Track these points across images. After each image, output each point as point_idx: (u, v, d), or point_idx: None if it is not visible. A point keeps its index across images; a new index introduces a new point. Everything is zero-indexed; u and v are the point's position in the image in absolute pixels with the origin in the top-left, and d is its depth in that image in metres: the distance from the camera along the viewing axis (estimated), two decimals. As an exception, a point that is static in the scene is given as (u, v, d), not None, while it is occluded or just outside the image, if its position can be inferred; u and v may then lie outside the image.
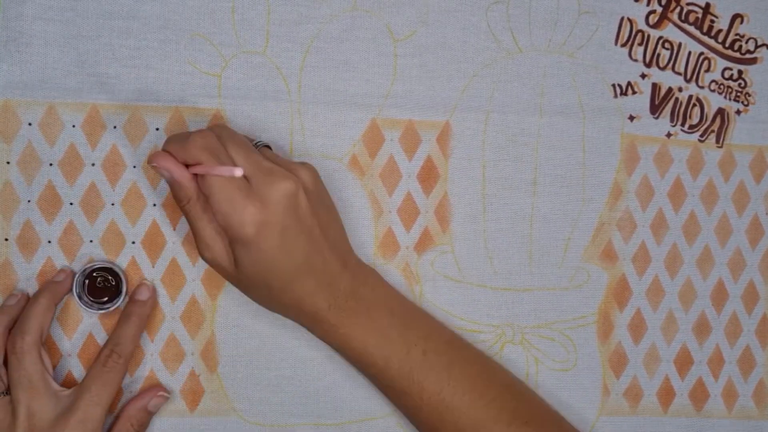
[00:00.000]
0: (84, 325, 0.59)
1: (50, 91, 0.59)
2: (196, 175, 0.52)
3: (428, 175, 0.63)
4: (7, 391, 0.55)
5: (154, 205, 0.60)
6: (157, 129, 0.60)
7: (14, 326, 0.57)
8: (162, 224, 0.60)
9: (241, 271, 0.53)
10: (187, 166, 0.52)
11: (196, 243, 0.54)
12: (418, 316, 0.60)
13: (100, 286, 0.59)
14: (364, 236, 0.63)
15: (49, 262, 0.59)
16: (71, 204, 0.59)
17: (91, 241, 0.60)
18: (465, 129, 0.64)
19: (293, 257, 0.52)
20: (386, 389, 0.58)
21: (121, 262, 0.60)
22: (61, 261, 0.59)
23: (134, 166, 0.60)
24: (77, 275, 0.59)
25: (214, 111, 0.61)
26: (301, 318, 0.56)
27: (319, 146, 0.62)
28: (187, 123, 0.60)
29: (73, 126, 0.59)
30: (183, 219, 0.60)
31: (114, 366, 0.56)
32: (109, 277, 0.59)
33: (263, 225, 0.50)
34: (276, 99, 0.61)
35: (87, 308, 0.59)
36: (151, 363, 0.60)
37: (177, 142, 0.52)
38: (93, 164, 0.60)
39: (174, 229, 0.61)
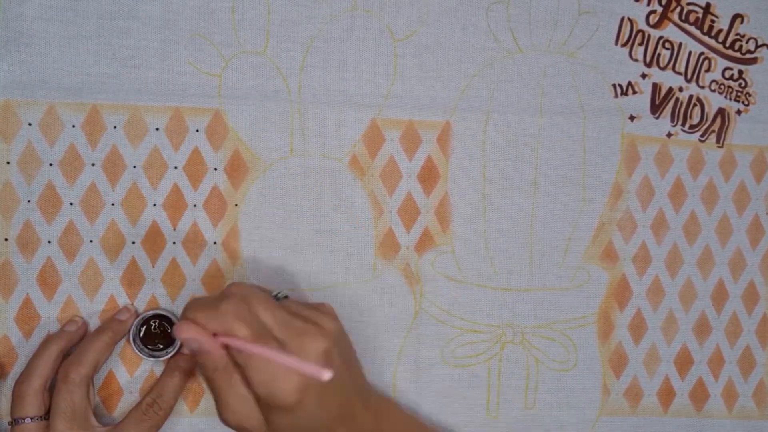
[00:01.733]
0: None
1: (50, 91, 0.59)
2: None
3: (428, 175, 0.63)
4: (46, 415, 0.55)
5: (154, 205, 0.60)
6: (157, 129, 0.60)
7: (71, 354, 0.57)
8: (162, 224, 0.60)
9: (273, 430, 0.51)
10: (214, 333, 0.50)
11: (217, 407, 0.51)
12: None
13: (155, 331, 0.59)
14: (364, 236, 0.63)
15: (49, 263, 0.59)
16: (71, 204, 0.59)
17: (91, 241, 0.60)
18: (465, 129, 0.64)
19: (329, 412, 0.51)
20: None
21: (121, 262, 0.60)
22: (61, 261, 0.59)
23: (134, 166, 0.60)
24: (136, 320, 0.59)
25: (214, 111, 0.61)
26: None
27: (319, 146, 0.62)
28: (187, 123, 0.60)
29: (73, 126, 0.59)
30: (183, 219, 0.60)
31: (153, 416, 0.56)
32: (166, 324, 0.59)
33: (305, 389, 0.49)
34: (276, 99, 0.61)
35: (139, 353, 0.59)
36: (151, 363, 0.60)
37: (207, 313, 0.49)
38: (93, 164, 0.60)
39: (174, 229, 0.61)
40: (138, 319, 0.59)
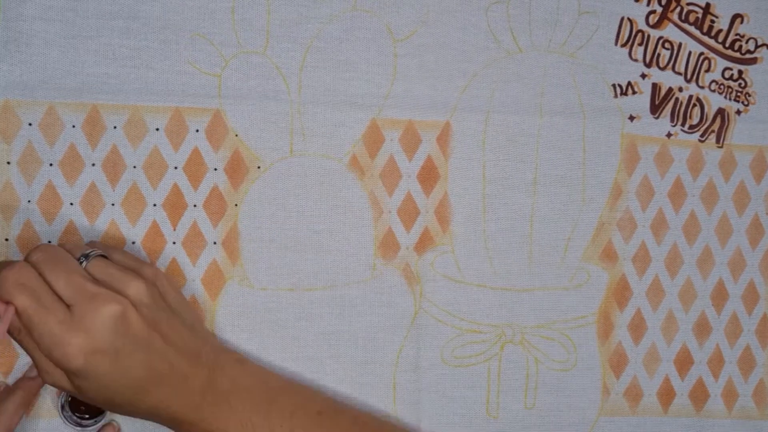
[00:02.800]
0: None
1: (50, 91, 0.59)
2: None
3: (428, 175, 0.63)
4: None
5: (155, 205, 0.60)
6: (157, 129, 0.60)
7: None
8: (162, 224, 0.60)
9: (84, 394, 0.52)
10: None
11: (36, 368, 0.52)
12: (287, 392, 0.58)
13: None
14: (364, 236, 0.63)
15: (49, 262, 0.59)
16: (71, 204, 0.59)
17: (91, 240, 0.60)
18: (465, 129, 0.64)
19: (133, 374, 0.51)
20: None
21: (121, 262, 0.60)
22: (61, 261, 0.59)
23: (134, 166, 0.60)
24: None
25: (214, 111, 0.61)
26: (163, 423, 0.54)
27: (319, 146, 0.62)
28: (187, 123, 0.60)
29: (73, 126, 0.59)
30: (183, 219, 0.61)
31: None
32: None
33: (92, 353, 0.49)
34: (276, 99, 0.61)
35: (65, 422, 0.58)
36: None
37: None
38: (93, 164, 0.60)
39: (174, 229, 0.61)
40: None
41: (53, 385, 0.52)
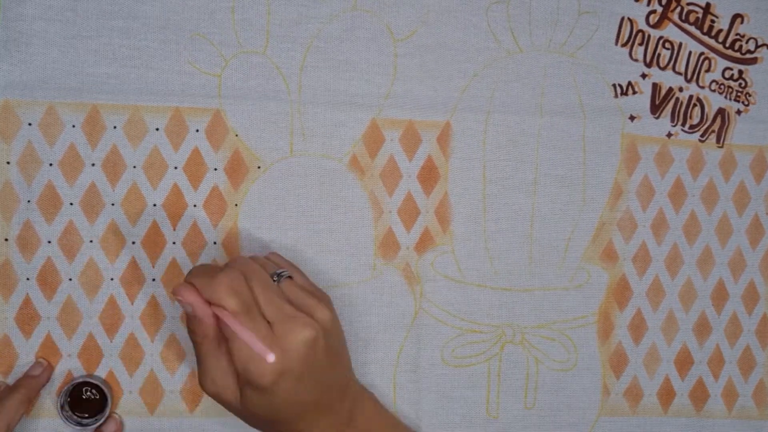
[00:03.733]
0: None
1: (50, 91, 0.59)
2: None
3: (429, 175, 0.63)
4: None
5: (155, 205, 0.60)
6: (157, 129, 0.60)
7: None
8: (162, 224, 0.60)
9: (247, 408, 0.52)
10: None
11: (199, 374, 0.52)
12: None
13: (85, 397, 0.58)
14: (364, 236, 0.63)
15: (49, 262, 0.59)
16: (71, 204, 0.59)
17: (91, 241, 0.60)
18: (465, 129, 0.64)
19: (304, 398, 0.52)
20: None
21: (121, 262, 0.60)
22: (61, 261, 0.59)
23: (134, 166, 0.60)
24: (66, 387, 0.58)
25: (214, 111, 0.61)
26: None
27: (319, 146, 0.62)
28: (187, 123, 0.60)
29: (73, 126, 0.59)
30: (183, 219, 0.60)
31: None
32: (95, 392, 0.59)
33: (281, 373, 0.50)
34: (276, 99, 0.61)
35: (66, 422, 0.59)
36: (151, 363, 0.60)
37: (203, 278, 0.51)
38: (93, 164, 0.60)
39: (174, 229, 0.61)
40: (67, 386, 0.58)
41: (212, 394, 0.52)
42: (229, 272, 0.51)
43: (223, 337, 0.50)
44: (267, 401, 0.51)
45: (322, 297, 0.55)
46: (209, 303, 0.50)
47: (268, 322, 0.50)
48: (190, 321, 0.51)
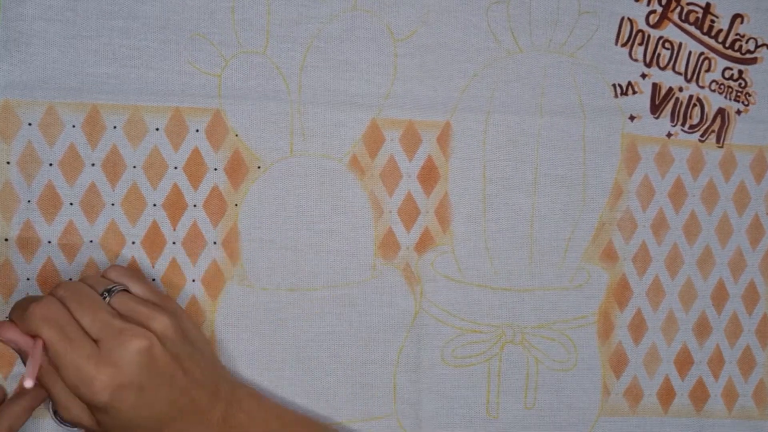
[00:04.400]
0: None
1: (50, 91, 0.59)
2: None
3: (429, 175, 0.63)
4: None
5: (155, 205, 0.60)
6: (157, 129, 0.60)
7: None
8: (162, 224, 0.60)
9: (105, 428, 0.52)
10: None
11: (53, 405, 0.53)
12: (300, 426, 0.59)
13: None
14: (364, 236, 0.63)
15: (49, 262, 0.59)
16: (71, 204, 0.59)
17: (91, 241, 0.59)
18: (465, 129, 0.64)
19: (156, 408, 0.51)
20: None
21: (121, 262, 0.60)
22: (61, 261, 0.59)
23: (134, 166, 0.60)
24: None
25: (214, 111, 0.61)
26: None
27: (319, 146, 0.62)
28: (187, 123, 0.60)
29: (73, 126, 0.59)
30: (183, 219, 0.60)
31: None
32: None
33: (118, 389, 0.49)
34: (276, 99, 0.61)
35: (59, 424, 0.57)
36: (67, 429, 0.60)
37: (18, 313, 0.51)
38: (93, 164, 0.60)
39: (174, 229, 0.61)
40: None
41: (71, 421, 0.52)
42: (42, 301, 0.51)
43: (56, 366, 0.50)
44: (117, 419, 0.50)
45: (162, 303, 0.54)
46: (32, 336, 0.50)
47: (96, 341, 0.50)
48: (21, 356, 0.51)
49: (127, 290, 0.54)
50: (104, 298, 0.53)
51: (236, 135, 0.61)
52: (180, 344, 0.53)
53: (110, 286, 0.54)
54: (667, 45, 0.66)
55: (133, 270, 0.57)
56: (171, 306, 0.55)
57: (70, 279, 0.59)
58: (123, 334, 0.50)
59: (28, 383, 0.48)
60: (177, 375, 0.52)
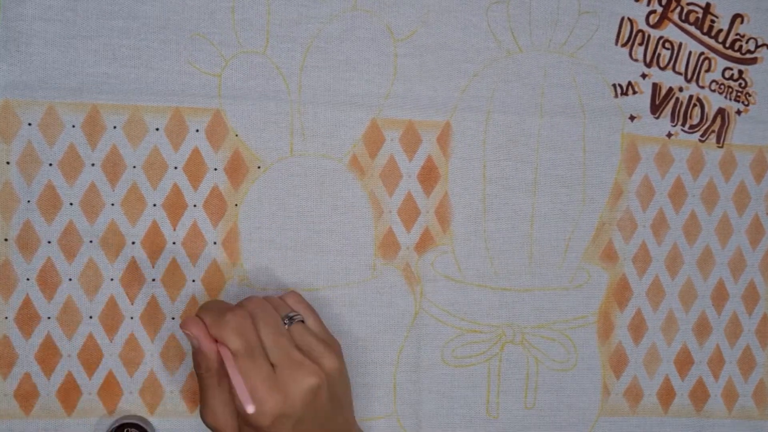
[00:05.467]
0: None
1: (50, 91, 0.59)
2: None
3: (429, 175, 0.63)
4: None
5: (155, 205, 0.60)
6: (157, 129, 0.60)
7: None
8: (162, 224, 0.60)
9: None
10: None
11: (200, 406, 0.54)
12: None
13: None
14: (365, 236, 0.63)
15: (49, 262, 0.59)
16: (71, 204, 0.59)
17: (90, 241, 0.59)
18: (465, 129, 0.64)
19: None
20: None
21: (121, 262, 0.60)
22: (61, 261, 0.59)
23: (134, 166, 0.60)
24: (108, 427, 0.59)
25: (214, 111, 0.61)
26: None
27: (319, 146, 0.62)
28: (187, 123, 0.60)
29: (73, 126, 0.59)
30: (183, 219, 0.60)
31: None
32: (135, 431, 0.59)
33: (281, 417, 0.50)
34: (276, 99, 0.61)
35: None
36: (151, 363, 0.60)
37: (213, 315, 0.52)
38: (93, 164, 0.60)
39: (174, 229, 0.60)
40: (110, 425, 0.59)
41: (212, 427, 0.53)
42: (238, 312, 0.52)
43: (226, 373, 0.51)
44: None
45: (332, 344, 0.55)
46: (215, 340, 0.51)
47: (273, 365, 0.51)
48: (195, 354, 0.52)
49: (303, 321, 0.55)
50: (285, 324, 0.54)
51: (236, 135, 0.61)
52: (340, 386, 0.54)
53: (291, 314, 0.55)
54: (667, 45, 0.66)
55: (307, 302, 0.57)
56: (336, 347, 0.56)
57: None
58: (300, 368, 0.51)
59: (251, 409, 0.49)
60: (329, 416, 0.53)
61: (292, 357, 0.52)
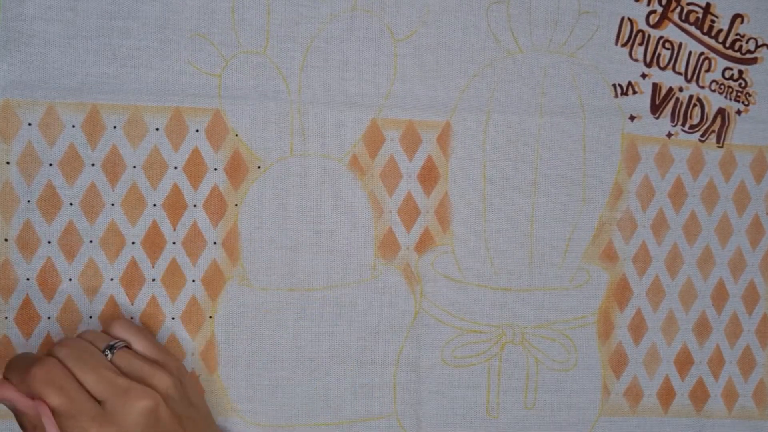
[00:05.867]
0: None
1: (50, 91, 0.59)
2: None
3: (429, 175, 0.63)
4: None
5: (154, 205, 0.60)
6: (157, 129, 0.60)
7: None
8: (162, 224, 0.60)
9: None
10: None
11: None
12: None
13: None
14: (364, 236, 0.63)
15: (49, 262, 0.59)
16: (71, 204, 0.59)
17: (91, 241, 0.60)
18: (465, 129, 0.64)
19: None
20: None
21: (121, 262, 0.60)
22: (61, 261, 0.59)
23: (134, 166, 0.60)
24: None
25: (214, 111, 0.61)
26: None
27: (319, 146, 0.62)
28: (187, 123, 0.60)
29: (73, 126, 0.59)
30: (183, 219, 0.60)
31: None
32: None
33: None
34: (276, 99, 0.61)
35: None
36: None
37: (19, 375, 0.50)
38: (93, 164, 0.60)
39: (174, 229, 0.61)
40: None
41: None
42: (45, 363, 0.50)
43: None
44: None
45: (166, 362, 0.54)
46: (32, 396, 0.49)
47: (101, 402, 0.50)
48: (17, 416, 0.50)
49: (128, 346, 0.54)
50: (106, 355, 0.52)
51: (236, 135, 0.61)
52: (181, 404, 0.53)
53: (112, 343, 0.53)
54: (667, 45, 0.66)
55: (135, 325, 0.57)
56: (172, 363, 0.55)
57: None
58: (128, 394, 0.50)
59: None
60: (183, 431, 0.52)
61: (118, 385, 0.50)
